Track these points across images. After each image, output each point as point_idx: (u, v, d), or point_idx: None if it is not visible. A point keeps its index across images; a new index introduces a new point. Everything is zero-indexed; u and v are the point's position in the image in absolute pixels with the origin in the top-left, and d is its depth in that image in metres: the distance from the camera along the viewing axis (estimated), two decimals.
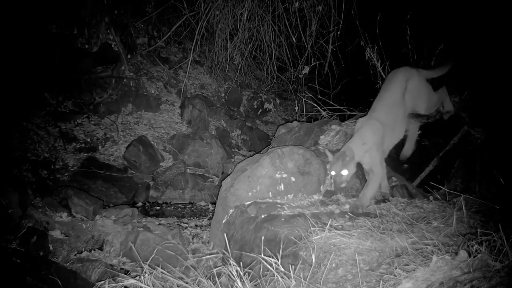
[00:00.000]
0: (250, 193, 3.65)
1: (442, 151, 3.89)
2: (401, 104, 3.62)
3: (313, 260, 2.56)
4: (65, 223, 4.48)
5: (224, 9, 7.46)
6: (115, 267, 3.57)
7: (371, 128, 3.44)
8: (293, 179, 3.75)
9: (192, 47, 7.21)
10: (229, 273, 2.39)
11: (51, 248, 3.97)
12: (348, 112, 5.57)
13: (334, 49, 7.12)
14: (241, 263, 2.54)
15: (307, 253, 2.70)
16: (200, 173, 6.55)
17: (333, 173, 3.28)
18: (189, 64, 7.74)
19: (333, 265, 2.67)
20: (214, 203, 4.85)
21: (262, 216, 3.32)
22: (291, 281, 2.35)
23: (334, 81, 7.18)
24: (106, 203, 5.32)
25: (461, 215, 2.78)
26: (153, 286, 2.35)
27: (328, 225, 3.01)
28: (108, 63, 7.65)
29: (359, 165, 3.72)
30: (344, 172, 3.23)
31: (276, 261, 2.41)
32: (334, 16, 6.86)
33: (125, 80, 7.67)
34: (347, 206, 3.57)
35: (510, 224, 2.14)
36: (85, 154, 6.29)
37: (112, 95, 7.43)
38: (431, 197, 3.49)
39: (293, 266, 2.46)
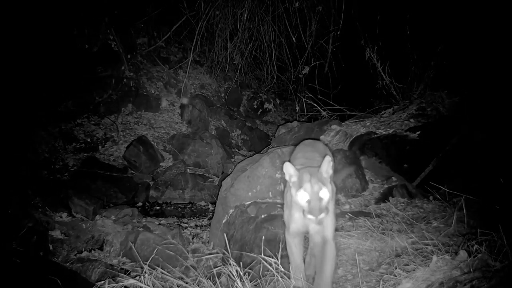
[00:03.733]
0: (250, 193, 3.65)
1: (442, 151, 3.89)
2: None
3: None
4: (65, 223, 4.48)
5: (224, 9, 7.46)
6: (115, 267, 3.57)
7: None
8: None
9: (192, 47, 7.22)
10: (229, 273, 2.39)
11: (51, 248, 3.98)
12: (348, 112, 5.57)
13: (334, 49, 7.13)
14: (241, 263, 2.54)
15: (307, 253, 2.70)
16: (200, 173, 6.54)
17: (306, 196, 2.03)
18: (189, 64, 7.74)
19: None
20: (214, 203, 4.85)
21: (262, 216, 3.32)
22: (291, 281, 2.35)
23: (334, 81, 7.19)
24: (106, 203, 5.32)
25: (461, 215, 2.78)
26: (153, 286, 2.35)
27: None
28: (108, 63, 7.65)
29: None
30: (324, 194, 2.03)
31: (276, 261, 2.40)
32: (334, 16, 6.87)
33: (125, 80, 7.67)
34: (347, 206, 3.58)
35: (510, 224, 2.14)
36: (85, 154, 6.29)
37: (112, 95, 7.43)
38: (431, 197, 3.49)
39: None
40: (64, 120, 6.65)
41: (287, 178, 2.17)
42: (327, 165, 2.10)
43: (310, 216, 2.00)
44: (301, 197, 2.05)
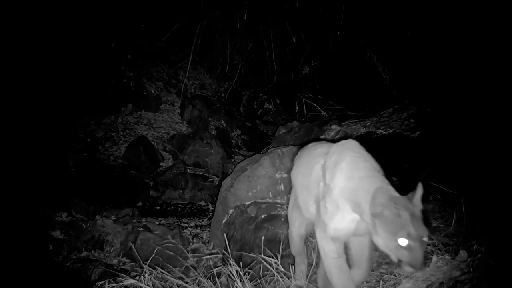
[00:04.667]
0: (250, 193, 3.65)
1: (443, 151, 3.89)
2: None
3: (313, 260, 2.56)
4: (65, 223, 4.48)
5: (224, 9, 7.47)
6: (115, 267, 3.56)
7: None
8: None
9: (192, 47, 7.22)
10: (229, 273, 2.39)
11: (51, 248, 3.97)
12: (348, 112, 5.57)
13: (334, 49, 7.13)
14: (241, 263, 2.54)
15: (307, 253, 2.70)
16: (200, 173, 6.55)
17: (405, 242, 1.52)
18: (189, 64, 7.75)
19: None
20: (214, 203, 4.84)
21: (262, 216, 3.32)
22: (291, 281, 2.35)
23: (334, 81, 7.19)
24: (106, 203, 5.31)
25: (461, 215, 2.77)
26: (153, 286, 2.35)
27: None
28: (108, 63, 7.65)
29: None
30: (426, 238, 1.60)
31: (276, 261, 2.41)
32: (334, 16, 6.87)
33: (125, 80, 7.67)
34: None
35: (510, 224, 2.14)
36: (85, 154, 6.29)
37: (112, 95, 7.43)
38: (431, 197, 3.49)
39: (293, 266, 2.46)
40: (64, 120, 6.64)
41: (367, 207, 1.63)
42: (420, 194, 1.60)
43: (409, 269, 1.53)
44: (404, 241, 1.50)
